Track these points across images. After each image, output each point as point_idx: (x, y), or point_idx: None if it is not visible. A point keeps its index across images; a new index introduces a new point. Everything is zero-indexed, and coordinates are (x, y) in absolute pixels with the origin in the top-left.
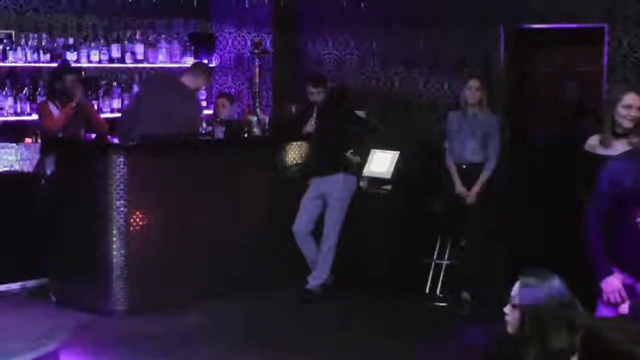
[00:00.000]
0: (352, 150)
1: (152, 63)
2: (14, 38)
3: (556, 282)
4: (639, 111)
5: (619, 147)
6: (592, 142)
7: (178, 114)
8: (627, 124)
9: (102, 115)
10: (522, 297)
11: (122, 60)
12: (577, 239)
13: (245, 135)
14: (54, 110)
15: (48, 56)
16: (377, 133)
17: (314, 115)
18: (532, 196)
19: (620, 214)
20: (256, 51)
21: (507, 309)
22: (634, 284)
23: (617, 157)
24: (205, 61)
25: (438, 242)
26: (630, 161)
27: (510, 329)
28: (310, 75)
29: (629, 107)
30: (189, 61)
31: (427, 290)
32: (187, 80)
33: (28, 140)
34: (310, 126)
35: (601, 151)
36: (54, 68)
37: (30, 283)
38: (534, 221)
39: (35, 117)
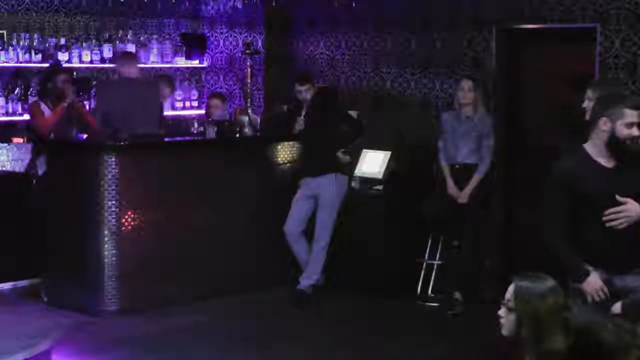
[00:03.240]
0: (343, 150)
1: (143, 63)
2: (5, 38)
3: (550, 284)
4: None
5: None
6: None
7: (130, 110)
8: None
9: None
10: (517, 299)
11: (113, 60)
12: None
13: (237, 135)
14: (46, 110)
15: (40, 56)
16: (366, 133)
17: (302, 113)
18: (526, 196)
19: (582, 214)
20: (248, 51)
21: (501, 312)
22: (610, 278)
23: (562, 157)
24: (197, 61)
25: (429, 242)
26: (573, 160)
27: (505, 332)
28: (296, 74)
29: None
30: (180, 61)
31: (419, 291)
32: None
33: (17, 140)
34: (299, 124)
35: None
36: (46, 68)
37: (22, 283)
38: (527, 222)
39: (27, 117)
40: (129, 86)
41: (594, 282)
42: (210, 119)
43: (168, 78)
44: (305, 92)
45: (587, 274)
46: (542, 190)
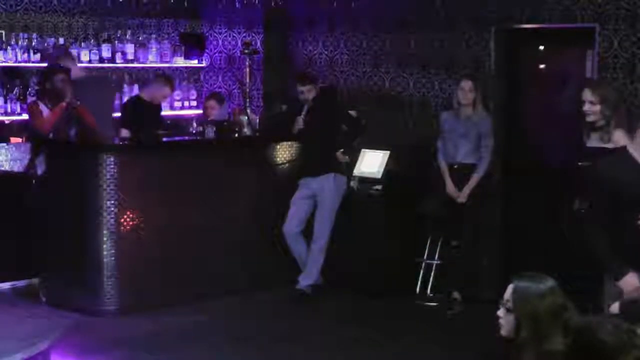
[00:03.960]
0: (342, 150)
1: (142, 63)
2: (4, 38)
3: (550, 284)
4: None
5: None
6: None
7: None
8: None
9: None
10: (515, 300)
11: (112, 60)
12: (571, 240)
13: (236, 135)
14: (45, 110)
15: (38, 56)
16: (366, 133)
17: (303, 113)
18: (525, 196)
19: (623, 216)
20: (247, 51)
21: (500, 312)
22: None
23: (604, 157)
24: (196, 61)
25: (428, 241)
26: (616, 161)
27: (504, 332)
28: (297, 75)
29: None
30: (179, 61)
31: (418, 290)
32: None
33: (16, 139)
34: (298, 124)
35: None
36: (44, 68)
37: (20, 283)
38: (527, 221)
39: (25, 117)
40: (82, 85)
41: (631, 281)
42: (208, 119)
43: (167, 78)
44: (306, 92)
45: (626, 272)
46: (581, 193)
